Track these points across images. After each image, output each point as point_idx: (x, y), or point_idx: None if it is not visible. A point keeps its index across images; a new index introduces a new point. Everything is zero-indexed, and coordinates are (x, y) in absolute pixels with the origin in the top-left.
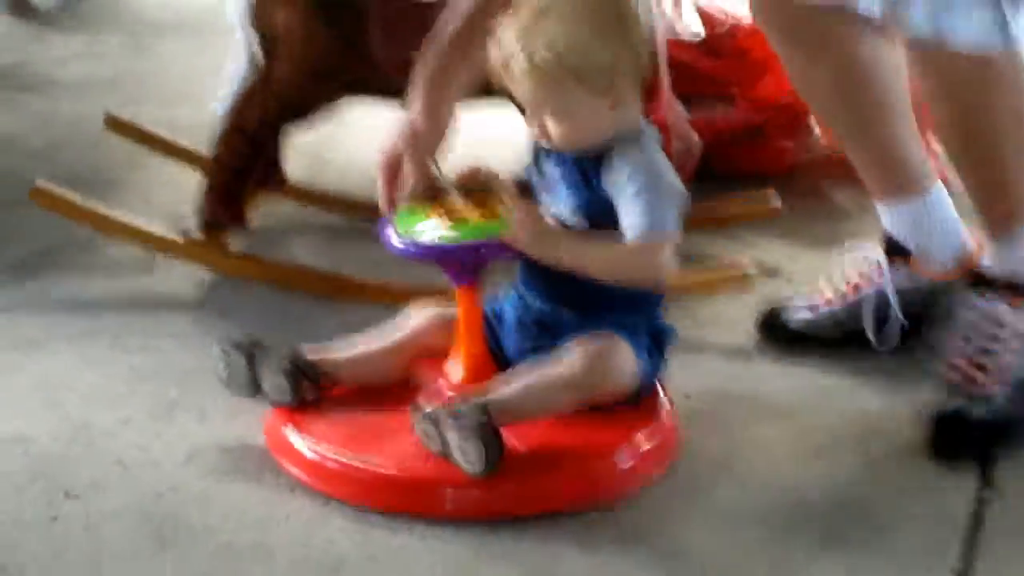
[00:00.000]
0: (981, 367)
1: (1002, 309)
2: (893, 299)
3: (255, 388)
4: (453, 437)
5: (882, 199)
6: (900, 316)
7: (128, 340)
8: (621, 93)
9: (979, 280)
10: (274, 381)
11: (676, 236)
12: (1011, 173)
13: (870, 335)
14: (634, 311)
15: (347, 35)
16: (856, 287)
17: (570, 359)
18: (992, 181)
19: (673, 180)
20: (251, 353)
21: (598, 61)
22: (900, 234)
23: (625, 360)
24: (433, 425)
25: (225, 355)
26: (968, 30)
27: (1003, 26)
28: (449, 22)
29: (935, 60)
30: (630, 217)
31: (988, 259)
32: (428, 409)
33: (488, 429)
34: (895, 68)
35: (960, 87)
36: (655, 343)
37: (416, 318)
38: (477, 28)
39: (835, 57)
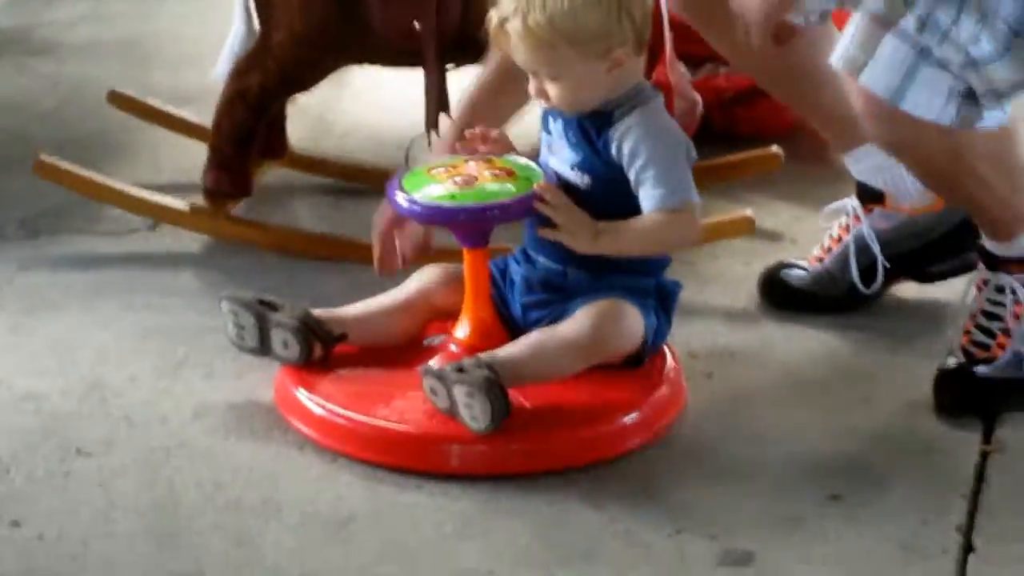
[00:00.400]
0: (988, 332)
1: (1005, 278)
2: (871, 240)
3: (264, 346)
4: (459, 393)
5: (844, 150)
6: (879, 256)
7: (135, 298)
8: (618, 56)
9: (983, 255)
10: (283, 339)
11: (696, 197)
12: (996, 200)
13: (855, 278)
14: (642, 271)
15: (344, 2)
16: (839, 239)
17: (578, 323)
18: (978, 210)
19: (681, 140)
20: (260, 312)
21: (592, 25)
22: (868, 178)
23: (633, 323)
24: (440, 381)
25: (234, 314)
26: (925, 107)
27: (963, 114)
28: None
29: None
30: (647, 188)
31: (991, 247)
32: (435, 366)
33: (494, 386)
34: (825, 35)
35: (923, 143)
36: (661, 303)
37: (426, 278)
38: (508, 75)
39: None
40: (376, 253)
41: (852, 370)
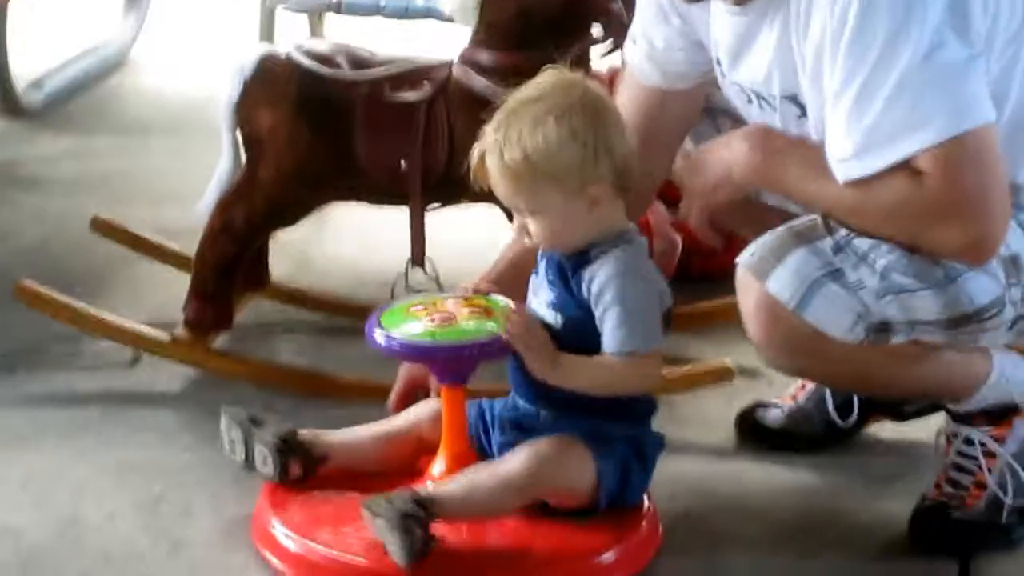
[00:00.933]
0: (960, 485)
1: (973, 432)
2: None
3: (249, 461)
4: (381, 524)
5: None
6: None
7: (113, 434)
8: (595, 194)
9: (947, 410)
10: (263, 456)
11: (660, 346)
12: (928, 389)
13: (830, 410)
14: (613, 417)
15: (332, 139)
16: None
17: (515, 458)
18: (917, 394)
19: (654, 285)
20: (247, 427)
21: (566, 160)
22: None
23: (577, 463)
24: (368, 512)
25: (227, 428)
26: (830, 323)
27: (871, 338)
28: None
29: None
30: (609, 328)
31: (952, 405)
32: (369, 498)
33: (410, 520)
34: None
35: (826, 354)
36: (637, 452)
37: (416, 412)
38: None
39: None
40: (398, 389)
41: (829, 509)
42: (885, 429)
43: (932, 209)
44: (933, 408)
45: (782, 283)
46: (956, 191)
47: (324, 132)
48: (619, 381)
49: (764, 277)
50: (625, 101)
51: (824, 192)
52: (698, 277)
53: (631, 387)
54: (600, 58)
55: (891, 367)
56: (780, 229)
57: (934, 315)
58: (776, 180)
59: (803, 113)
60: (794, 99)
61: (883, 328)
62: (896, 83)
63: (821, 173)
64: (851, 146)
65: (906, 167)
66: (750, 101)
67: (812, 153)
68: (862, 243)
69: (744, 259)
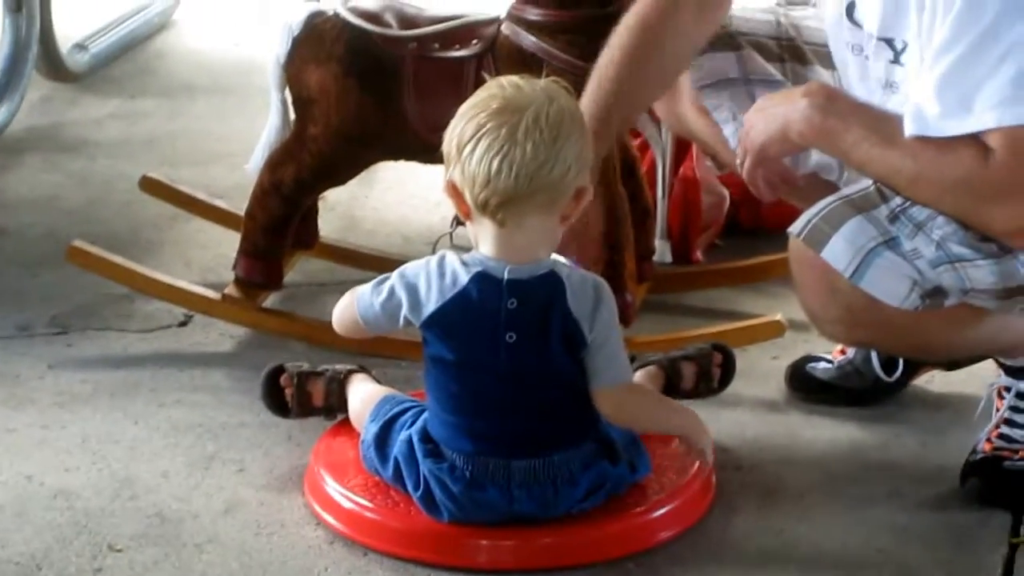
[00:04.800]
0: (1012, 439)
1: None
2: None
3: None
4: None
5: None
6: None
7: (166, 395)
8: (465, 204)
9: (1000, 363)
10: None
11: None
12: (983, 349)
13: (876, 368)
14: None
15: (380, 97)
16: None
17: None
18: (973, 353)
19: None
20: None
21: (445, 152)
22: None
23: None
24: None
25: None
26: (885, 292)
27: (927, 304)
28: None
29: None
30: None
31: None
32: None
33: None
34: None
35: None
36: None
37: None
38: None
39: None
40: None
41: (879, 462)
42: (934, 382)
43: (992, 187)
44: (981, 357)
45: (838, 252)
46: (1021, 174)
47: (372, 90)
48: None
49: (819, 246)
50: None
51: (884, 158)
52: (747, 230)
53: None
54: None
55: (947, 332)
56: (832, 198)
57: (988, 285)
58: (834, 141)
59: (895, 59)
60: (890, 42)
61: (936, 292)
62: (1000, 55)
63: (883, 139)
64: (937, 105)
65: (976, 141)
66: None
67: (874, 117)
68: (918, 212)
69: (797, 228)
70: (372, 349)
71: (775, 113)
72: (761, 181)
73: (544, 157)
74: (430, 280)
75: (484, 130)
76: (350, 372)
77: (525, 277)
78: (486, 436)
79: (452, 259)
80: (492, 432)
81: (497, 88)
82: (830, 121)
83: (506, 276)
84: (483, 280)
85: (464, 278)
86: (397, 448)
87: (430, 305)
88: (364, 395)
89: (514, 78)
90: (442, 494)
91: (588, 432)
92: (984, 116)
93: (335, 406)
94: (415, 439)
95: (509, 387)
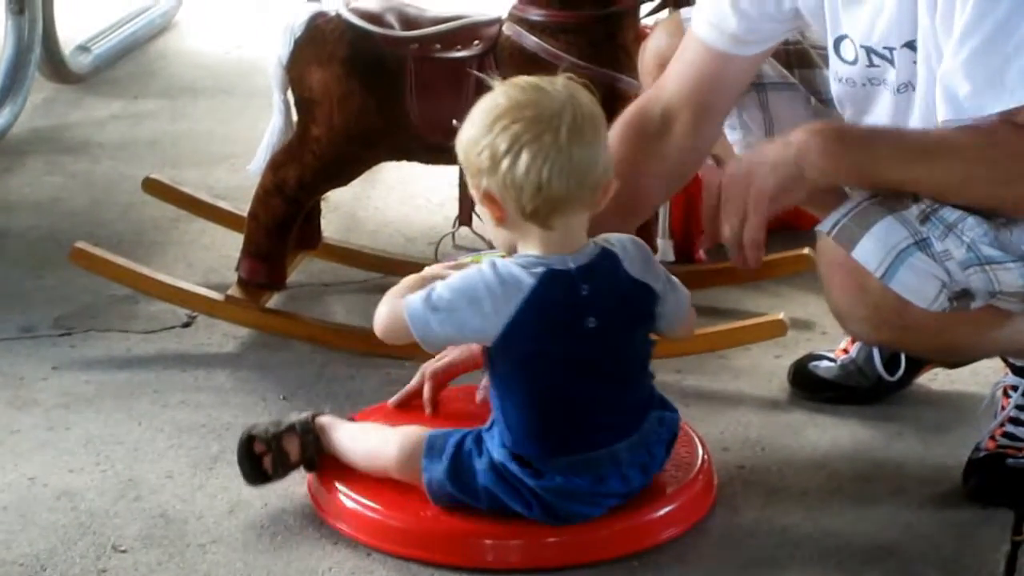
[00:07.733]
0: (1016, 438)
1: None
2: None
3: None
4: None
5: None
6: None
7: (169, 396)
8: (503, 211)
9: (1007, 363)
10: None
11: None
12: (1004, 351)
13: (878, 367)
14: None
15: (383, 98)
16: None
17: None
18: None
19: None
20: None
21: (475, 163)
22: None
23: None
24: None
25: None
26: (915, 293)
27: (955, 307)
28: None
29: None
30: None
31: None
32: None
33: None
34: None
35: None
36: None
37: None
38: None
39: None
40: (426, 394)
41: (883, 460)
42: (936, 381)
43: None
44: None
45: (868, 252)
46: None
47: (375, 91)
48: None
49: (850, 246)
50: (680, 67)
51: (929, 170)
52: None
53: None
54: (648, 15)
55: (972, 334)
56: (860, 197)
57: (1017, 287)
58: (864, 168)
59: (915, 60)
60: (911, 44)
61: (963, 295)
62: None
63: (918, 151)
64: (968, 84)
65: (1015, 124)
66: (861, 61)
67: (895, 135)
68: (949, 213)
69: (827, 227)
70: (376, 349)
71: (779, 158)
72: (760, 244)
73: (589, 159)
74: (492, 290)
75: (524, 140)
76: (314, 417)
77: (587, 262)
78: (590, 431)
79: (507, 265)
80: (595, 424)
81: (519, 93)
82: (854, 149)
83: (572, 266)
84: (551, 277)
85: (530, 280)
86: (483, 478)
87: (502, 317)
88: (354, 433)
89: (530, 79)
90: (566, 504)
91: (653, 390)
92: (1019, 91)
93: (313, 456)
94: (507, 465)
95: (599, 374)
